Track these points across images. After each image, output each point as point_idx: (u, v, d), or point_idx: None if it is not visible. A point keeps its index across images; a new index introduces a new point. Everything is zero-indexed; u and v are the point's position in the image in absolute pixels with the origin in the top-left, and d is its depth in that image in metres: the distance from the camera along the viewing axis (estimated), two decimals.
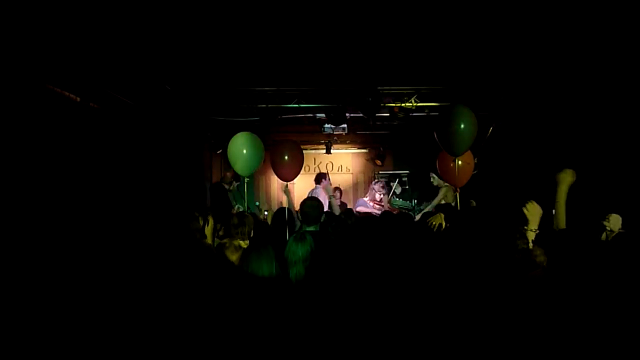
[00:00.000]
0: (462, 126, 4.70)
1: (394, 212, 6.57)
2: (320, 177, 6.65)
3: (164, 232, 3.42)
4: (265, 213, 6.54)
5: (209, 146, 7.56)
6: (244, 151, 5.08)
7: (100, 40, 3.78)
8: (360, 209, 6.71)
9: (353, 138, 8.54)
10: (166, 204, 5.71)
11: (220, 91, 5.82)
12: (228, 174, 6.65)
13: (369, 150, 9.43)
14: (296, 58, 4.84)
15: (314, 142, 8.56)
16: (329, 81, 5.71)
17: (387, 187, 7.04)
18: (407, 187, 7.42)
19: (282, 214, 4.09)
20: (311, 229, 3.57)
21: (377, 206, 6.69)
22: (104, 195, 4.50)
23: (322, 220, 3.75)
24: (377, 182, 6.99)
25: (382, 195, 6.75)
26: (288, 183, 5.32)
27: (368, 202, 6.77)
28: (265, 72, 5.23)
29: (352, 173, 9.58)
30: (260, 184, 9.19)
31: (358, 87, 5.73)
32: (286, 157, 5.45)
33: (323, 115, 6.34)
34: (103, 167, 4.63)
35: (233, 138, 5.10)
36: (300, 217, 3.76)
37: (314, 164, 9.39)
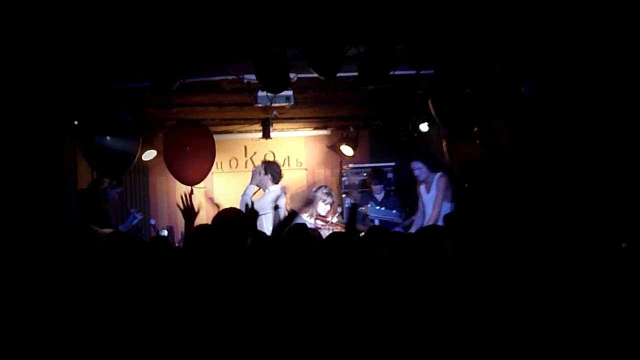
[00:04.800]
0: None
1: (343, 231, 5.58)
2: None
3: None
4: (164, 233, 5.77)
5: (73, 132, 5.73)
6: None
7: None
8: None
9: (305, 113, 6.52)
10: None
11: (92, 49, 4.48)
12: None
13: (331, 131, 7.38)
14: None
15: (242, 121, 6.58)
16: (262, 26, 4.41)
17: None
18: (392, 188, 6.21)
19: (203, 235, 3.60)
20: None
21: (322, 223, 5.52)
22: None
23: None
24: (321, 187, 5.97)
25: (328, 206, 5.65)
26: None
27: (308, 218, 5.62)
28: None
29: (305, 168, 7.51)
30: (158, 189, 7.10)
31: (309, 34, 4.52)
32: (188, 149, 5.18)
33: (254, 77, 4.83)
34: None
35: None
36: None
37: (245, 155, 7.27)
